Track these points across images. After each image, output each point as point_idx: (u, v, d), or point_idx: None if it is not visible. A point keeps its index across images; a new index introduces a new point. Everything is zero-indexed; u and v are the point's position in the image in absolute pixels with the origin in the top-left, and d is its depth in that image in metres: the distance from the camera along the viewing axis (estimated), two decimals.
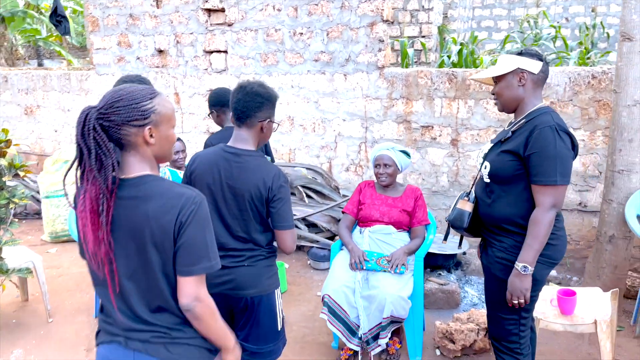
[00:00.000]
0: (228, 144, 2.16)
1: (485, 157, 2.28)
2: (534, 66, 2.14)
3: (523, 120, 2.14)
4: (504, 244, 2.18)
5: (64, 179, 1.56)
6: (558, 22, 10.93)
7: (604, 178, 3.61)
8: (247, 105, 2.09)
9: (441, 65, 7.46)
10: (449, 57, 7.60)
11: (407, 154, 3.31)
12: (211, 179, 2.11)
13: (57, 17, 5.27)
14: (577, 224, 4.23)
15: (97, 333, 1.57)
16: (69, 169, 1.45)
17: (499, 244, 2.21)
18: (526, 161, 2.07)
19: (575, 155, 2.11)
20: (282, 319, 2.27)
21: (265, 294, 2.15)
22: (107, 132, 1.41)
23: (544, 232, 2.03)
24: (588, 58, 8.08)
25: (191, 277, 1.43)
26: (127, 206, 1.42)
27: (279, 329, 2.24)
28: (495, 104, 2.26)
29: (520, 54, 2.18)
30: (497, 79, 2.21)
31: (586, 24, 10.37)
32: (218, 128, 3.61)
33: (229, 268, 2.10)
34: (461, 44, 7.94)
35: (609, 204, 3.47)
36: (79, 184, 1.42)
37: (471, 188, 2.43)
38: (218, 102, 3.34)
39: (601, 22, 10.14)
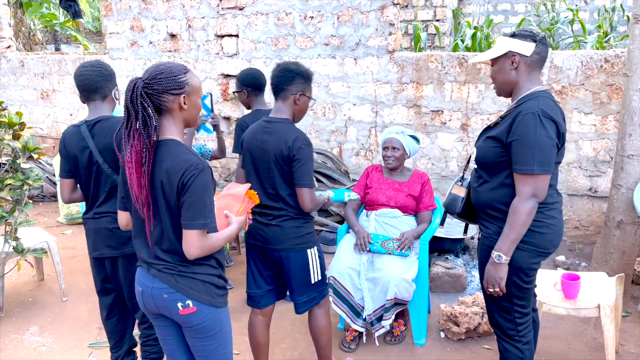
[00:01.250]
0: (269, 114, 2.52)
1: (476, 143, 2.27)
2: (526, 48, 2.04)
3: (514, 106, 2.07)
4: (489, 230, 2.15)
5: (114, 138, 2.05)
6: (576, 5, 10.70)
7: (614, 163, 3.57)
8: (280, 80, 2.43)
9: (455, 49, 7.38)
10: (462, 41, 7.50)
11: (417, 140, 3.31)
12: (252, 145, 2.47)
13: (68, 1, 5.31)
14: (586, 209, 4.20)
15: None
16: (118, 130, 1.81)
17: (485, 230, 2.18)
18: (508, 148, 2.01)
19: (562, 143, 2.03)
20: (321, 273, 2.55)
21: (294, 251, 2.44)
22: (150, 98, 1.73)
23: (520, 221, 1.97)
24: (606, 42, 7.91)
25: (192, 231, 1.72)
26: (153, 163, 1.76)
27: (314, 282, 2.53)
28: (494, 87, 2.22)
29: (513, 35, 2.09)
30: (492, 62, 2.15)
31: (605, 7, 10.13)
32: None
33: (263, 224, 2.46)
34: (475, 28, 7.83)
35: (617, 189, 3.44)
36: (126, 141, 1.74)
37: (463, 173, 2.43)
38: (253, 83, 3.39)
39: (621, 5, 9.89)
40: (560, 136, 2.01)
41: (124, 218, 1.98)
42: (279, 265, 2.51)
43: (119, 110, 2.53)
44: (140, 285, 1.88)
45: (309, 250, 2.48)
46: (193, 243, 1.72)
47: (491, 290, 2.10)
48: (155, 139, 1.73)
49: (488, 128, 2.19)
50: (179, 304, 1.80)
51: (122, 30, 6.11)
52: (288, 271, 2.49)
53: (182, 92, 1.76)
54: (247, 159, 2.51)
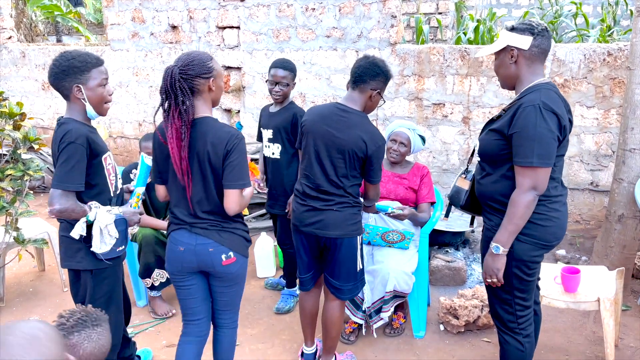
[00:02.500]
0: (340, 101, 2.49)
1: (479, 135, 2.27)
2: (524, 42, 2.04)
3: (516, 98, 2.07)
4: (492, 222, 2.15)
5: (154, 117, 2.25)
6: None
7: (615, 157, 3.56)
8: (365, 72, 2.40)
9: (457, 42, 7.33)
10: (465, 34, 7.45)
11: (424, 140, 3.31)
12: (318, 128, 2.44)
13: None
14: (588, 203, 4.19)
15: (169, 226, 2.24)
16: (156, 112, 2.09)
17: (488, 222, 2.19)
18: (510, 141, 2.01)
19: (564, 136, 2.02)
20: (362, 262, 2.59)
21: (348, 237, 2.46)
22: (185, 82, 2.02)
23: (519, 213, 1.97)
24: (609, 35, 7.86)
25: (234, 190, 2.05)
26: (195, 137, 2.04)
27: (358, 270, 2.56)
28: (498, 80, 2.23)
29: (511, 29, 2.08)
30: (495, 56, 2.16)
31: (609, 1, 10.05)
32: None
33: (320, 210, 2.46)
34: (478, 21, 7.79)
35: (619, 183, 3.43)
36: (165, 121, 2.04)
37: (467, 166, 2.43)
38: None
39: None
40: (562, 129, 1.99)
41: (162, 190, 2.24)
42: (330, 251, 2.51)
43: (93, 114, 2.17)
44: (182, 244, 2.16)
45: (358, 238, 2.53)
46: (234, 200, 2.06)
47: (489, 280, 2.11)
48: (191, 117, 2.04)
49: (491, 121, 2.19)
50: (223, 256, 2.14)
51: (123, 21, 6.08)
52: (339, 257, 2.50)
53: (211, 75, 2.07)
54: (310, 141, 2.47)
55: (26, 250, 3.53)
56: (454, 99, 4.57)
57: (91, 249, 2.17)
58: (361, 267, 2.57)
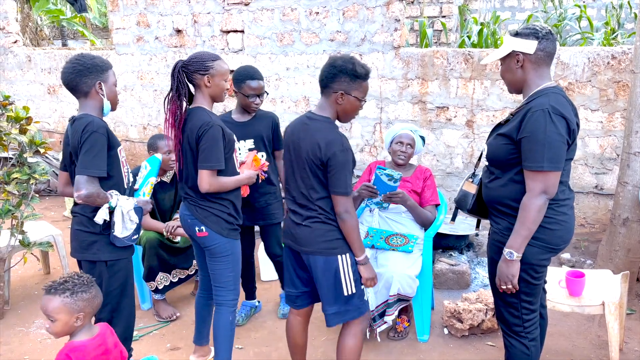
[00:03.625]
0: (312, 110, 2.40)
1: (487, 140, 2.27)
2: (529, 46, 2.04)
3: (524, 102, 2.07)
4: (499, 226, 2.15)
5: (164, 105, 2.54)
6: (584, 2, 10.61)
7: (620, 160, 3.55)
8: (323, 74, 2.28)
9: (461, 45, 7.34)
10: (469, 37, 7.45)
11: (423, 140, 3.33)
12: (288, 139, 2.39)
13: None
14: (592, 207, 4.18)
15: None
16: (166, 98, 2.46)
17: (495, 225, 2.18)
18: (518, 145, 2.02)
19: (573, 140, 2.02)
20: (356, 286, 2.33)
21: (322, 255, 2.30)
22: (186, 74, 2.44)
23: (531, 218, 1.98)
24: (614, 39, 7.84)
25: (203, 170, 2.38)
26: (185, 123, 2.45)
27: (346, 294, 2.32)
28: (505, 85, 2.23)
29: (515, 34, 2.08)
30: (501, 62, 2.16)
31: (613, 4, 10.04)
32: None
33: (295, 224, 2.37)
34: (482, 24, 7.79)
35: (623, 187, 3.42)
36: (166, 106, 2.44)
37: (474, 170, 2.43)
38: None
39: (628, 2, 9.79)
40: (571, 133, 2.00)
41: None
42: (309, 269, 2.38)
43: (109, 108, 2.36)
44: (180, 214, 2.61)
45: (339, 256, 2.30)
46: (203, 179, 2.39)
47: (504, 287, 2.10)
48: (186, 105, 2.45)
49: (499, 125, 2.20)
50: (196, 228, 2.50)
51: (129, 25, 6.12)
52: (317, 276, 2.35)
53: (207, 73, 2.42)
54: (285, 153, 2.43)
55: (32, 254, 3.55)
56: (458, 102, 4.57)
57: (114, 234, 2.30)
58: (352, 291, 2.31)
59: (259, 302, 3.57)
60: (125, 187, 2.42)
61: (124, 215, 2.31)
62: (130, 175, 2.53)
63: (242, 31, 5.42)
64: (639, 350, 2.98)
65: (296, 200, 2.35)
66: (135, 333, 3.13)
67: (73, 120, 2.30)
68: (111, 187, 2.32)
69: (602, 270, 2.99)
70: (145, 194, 2.65)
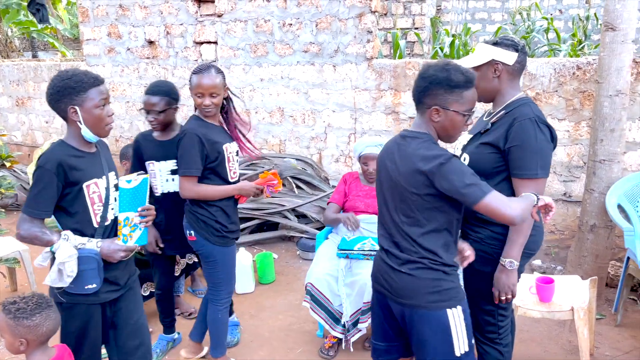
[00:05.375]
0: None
1: (464, 149, 2.28)
2: (509, 57, 2.09)
3: (502, 112, 2.10)
4: (479, 235, 2.16)
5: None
6: (551, 14, 10.92)
7: (586, 168, 3.64)
8: (415, 90, 1.92)
9: (434, 56, 7.46)
10: (441, 48, 7.59)
11: None
12: (381, 165, 1.99)
13: (36, 6, 5.23)
14: (561, 214, 4.26)
15: None
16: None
17: (474, 234, 2.19)
18: (506, 154, 2.04)
19: (554, 147, 2.10)
20: (468, 342, 1.91)
21: (427, 310, 1.87)
22: None
23: (528, 225, 2.01)
24: (580, 50, 8.08)
25: (182, 177, 2.60)
26: None
27: (458, 355, 1.89)
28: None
29: (495, 44, 2.12)
30: (474, 70, 2.13)
31: (579, 16, 10.36)
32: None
33: (393, 270, 1.92)
34: (453, 36, 7.94)
35: (590, 194, 3.50)
36: None
37: None
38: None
39: (595, 14, 10.13)
40: (554, 140, 2.09)
41: None
42: (408, 325, 1.94)
43: (90, 136, 2.04)
44: None
45: (450, 310, 1.87)
46: (180, 186, 2.60)
47: (503, 298, 2.10)
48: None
49: (478, 134, 2.21)
50: (187, 232, 2.68)
51: (99, 36, 6.05)
52: (418, 333, 1.91)
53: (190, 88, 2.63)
54: (377, 181, 2.03)
55: None
56: None
57: (43, 282, 2.01)
58: (464, 350, 1.90)
59: (178, 333, 3.30)
60: (96, 225, 2.06)
61: (59, 266, 1.95)
62: (112, 211, 2.13)
63: (216, 42, 5.41)
64: (609, 355, 3.03)
65: (393, 239, 1.93)
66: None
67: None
68: (72, 226, 2.02)
69: (571, 276, 3.05)
70: (124, 237, 2.10)
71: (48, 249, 1.99)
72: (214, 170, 2.63)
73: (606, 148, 3.38)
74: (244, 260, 3.89)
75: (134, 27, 5.80)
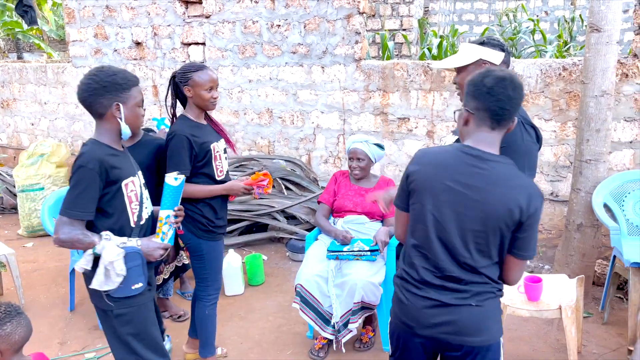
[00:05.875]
0: (468, 144, 1.69)
1: None
2: (496, 57, 2.09)
3: None
4: None
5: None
6: (537, 16, 11.03)
7: (573, 168, 3.67)
8: (515, 104, 1.63)
9: (422, 57, 7.50)
10: (429, 50, 7.64)
11: (381, 147, 3.34)
12: (439, 185, 1.66)
13: (24, 8, 5.16)
14: (548, 213, 4.30)
15: None
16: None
17: None
18: None
19: (540, 147, 2.11)
20: None
21: (494, 342, 1.73)
22: (176, 85, 2.68)
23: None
24: (566, 51, 8.17)
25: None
26: None
27: None
28: (458, 94, 2.24)
29: (482, 43, 2.12)
30: (459, 69, 2.15)
31: (565, 17, 10.48)
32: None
33: (452, 306, 1.68)
34: (441, 37, 7.99)
35: (577, 193, 3.54)
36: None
37: None
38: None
39: (580, 15, 10.25)
40: (539, 141, 2.10)
41: None
42: None
43: (127, 133, 2.01)
44: None
45: (501, 339, 1.79)
46: None
47: None
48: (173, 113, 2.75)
49: None
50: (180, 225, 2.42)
51: (86, 37, 5.99)
52: None
53: (187, 83, 2.58)
54: (425, 203, 1.68)
55: None
56: (418, 114, 4.65)
57: (90, 286, 1.97)
58: None
59: (167, 336, 3.12)
60: (133, 225, 2.05)
61: (106, 266, 1.93)
62: (146, 210, 2.14)
63: (204, 43, 5.39)
64: (597, 353, 3.06)
65: (448, 273, 1.67)
66: (93, 354, 3.04)
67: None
68: (110, 227, 1.99)
69: (559, 274, 3.07)
70: (163, 234, 2.11)
71: (90, 251, 1.93)
72: (201, 169, 2.66)
73: (592, 148, 3.42)
74: (233, 262, 3.87)
75: (120, 28, 5.76)
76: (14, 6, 12.91)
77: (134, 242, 2.00)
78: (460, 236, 1.65)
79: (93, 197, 1.92)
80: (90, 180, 1.90)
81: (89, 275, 1.99)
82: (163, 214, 2.09)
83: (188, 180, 2.61)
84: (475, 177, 1.64)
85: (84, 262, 1.95)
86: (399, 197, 1.81)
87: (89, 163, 1.89)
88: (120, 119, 1.97)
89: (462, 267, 1.67)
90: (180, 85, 2.63)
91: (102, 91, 1.93)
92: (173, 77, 2.66)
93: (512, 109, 1.63)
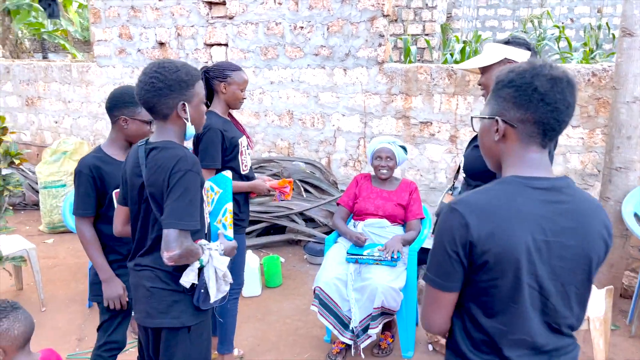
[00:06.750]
0: (523, 173, 1.25)
1: (465, 152, 2.26)
2: (522, 56, 2.01)
3: None
4: None
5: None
6: (562, 23, 10.87)
7: (602, 176, 3.57)
8: (571, 112, 1.24)
9: (444, 62, 7.43)
10: (452, 55, 7.57)
11: (405, 150, 3.31)
12: (525, 244, 1.19)
13: (47, 1, 5.25)
14: None
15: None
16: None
17: None
18: None
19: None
20: None
21: None
22: (207, 80, 2.65)
23: None
24: (592, 58, 8.03)
25: (205, 169, 2.42)
26: None
27: None
28: (483, 95, 2.18)
29: (507, 42, 2.06)
30: (483, 70, 2.09)
31: (591, 25, 10.31)
32: None
33: None
34: (464, 42, 7.91)
35: (606, 202, 3.44)
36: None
37: (453, 182, 2.40)
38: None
39: (607, 23, 10.07)
40: None
41: None
42: None
43: (192, 133, 1.84)
44: None
45: None
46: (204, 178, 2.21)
47: None
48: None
49: (476, 137, 2.17)
50: None
51: (110, 37, 6.05)
52: None
53: (225, 80, 2.63)
54: (508, 268, 1.20)
55: (4, 269, 3.42)
56: (441, 118, 4.58)
57: (204, 300, 1.83)
58: None
59: None
60: (206, 230, 1.94)
61: (218, 276, 1.81)
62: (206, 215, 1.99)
63: (226, 44, 5.40)
64: None
65: (538, 345, 1.27)
66: None
67: (150, 148, 1.79)
68: (194, 235, 1.81)
69: None
70: (226, 227, 2.03)
71: (197, 263, 1.79)
72: (228, 162, 2.68)
73: (622, 155, 3.32)
74: (251, 262, 3.84)
75: (145, 29, 5.80)
76: (41, 8, 13.18)
77: (219, 247, 1.89)
78: (561, 295, 1.26)
79: (199, 206, 1.78)
80: (198, 186, 1.77)
81: (159, 299, 1.82)
82: (230, 206, 2.05)
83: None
84: (563, 216, 1.23)
85: (192, 276, 1.79)
86: (445, 275, 1.25)
87: (194, 166, 1.75)
88: (187, 119, 1.80)
89: (562, 332, 1.30)
90: (212, 81, 2.66)
91: (167, 90, 1.75)
92: (205, 72, 2.66)
93: (569, 119, 1.26)
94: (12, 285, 4.06)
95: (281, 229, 4.90)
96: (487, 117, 1.31)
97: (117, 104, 2.26)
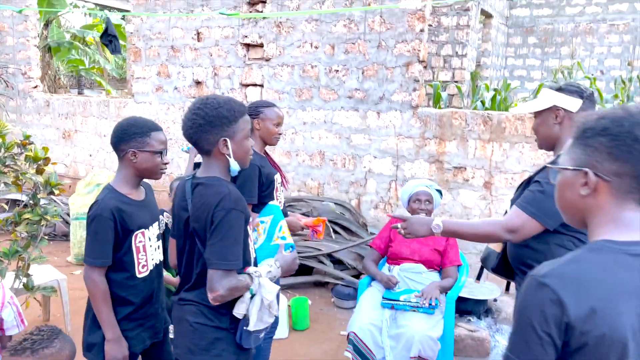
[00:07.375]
0: (617, 237, 1.09)
1: (512, 201, 2.20)
2: (573, 104, 1.99)
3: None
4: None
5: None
6: (593, 74, 10.87)
7: None
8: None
9: (474, 109, 7.44)
10: (482, 102, 7.58)
11: (440, 193, 3.27)
12: (632, 324, 1.04)
13: (109, 37, 5.46)
14: None
15: None
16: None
17: (519, 286, 2.08)
18: None
19: None
20: None
21: None
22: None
23: None
24: None
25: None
26: None
27: None
28: (536, 140, 2.17)
29: (559, 89, 2.04)
30: (535, 114, 2.10)
31: (622, 77, 10.27)
32: None
33: None
34: (495, 90, 7.93)
35: None
36: None
37: None
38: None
39: (637, 76, 10.02)
40: None
41: None
42: None
43: (236, 169, 1.82)
44: None
45: None
46: None
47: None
48: None
49: (528, 182, 2.13)
50: None
51: (149, 75, 6.24)
52: None
53: (257, 117, 2.64)
54: (612, 351, 1.04)
55: (34, 298, 3.41)
56: (476, 164, 4.54)
57: (246, 329, 1.77)
58: None
59: None
60: (253, 257, 1.92)
61: (263, 305, 1.76)
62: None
63: (262, 85, 5.50)
64: None
65: None
66: None
67: (197, 183, 1.80)
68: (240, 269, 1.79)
69: None
70: (285, 237, 2.12)
71: (248, 294, 1.75)
72: (264, 198, 2.65)
73: None
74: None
75: (183, 68, 5.96)
76: (81, 46, 13.74)
77: (273, 266, 1.85)
78: None
79: (242, 243, 1.76)
80: (242, 223, 1.75)
81: (201, 335, 1.77)
82: (283, 223, 2.29)
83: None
84: None
85: (243, 308, 1.74)
86: (531, 355, 1.07)
87: (237, 205, 1.73)
88: (229, 155, 1.78)
89: None
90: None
91: (208, 127, 1.74)
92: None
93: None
94: (39, 315, 4.04)
95: (308, 270, 4.83)
96: (571, 168, 1.14)
97: (124, 136, 2.02)
